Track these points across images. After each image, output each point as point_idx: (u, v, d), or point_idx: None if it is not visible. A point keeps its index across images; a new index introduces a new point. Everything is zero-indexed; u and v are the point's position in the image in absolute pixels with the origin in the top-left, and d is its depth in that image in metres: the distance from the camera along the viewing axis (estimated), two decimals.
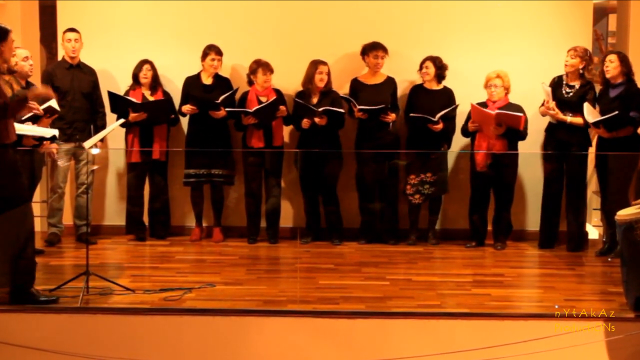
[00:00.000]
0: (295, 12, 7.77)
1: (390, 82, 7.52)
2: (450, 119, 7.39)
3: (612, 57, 6.92)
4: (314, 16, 7.76)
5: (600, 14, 9.17)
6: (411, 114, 7.31)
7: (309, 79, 7.42)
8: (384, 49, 7.40)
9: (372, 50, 7.40)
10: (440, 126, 7.26)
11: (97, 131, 7.30)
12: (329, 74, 7.41)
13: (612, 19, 9.14)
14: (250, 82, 7.50)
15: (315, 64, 7.38)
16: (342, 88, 7.57)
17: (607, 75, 6.93)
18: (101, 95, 7.50)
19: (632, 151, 6.81)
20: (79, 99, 7.33)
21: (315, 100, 7.41)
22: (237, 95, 7.52)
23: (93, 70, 7.53)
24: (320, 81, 7.37)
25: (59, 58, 7.62)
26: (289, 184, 7.74)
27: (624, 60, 6.87)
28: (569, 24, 7.65)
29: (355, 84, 7.53)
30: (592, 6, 7.79)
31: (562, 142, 7.20)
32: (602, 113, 6.92)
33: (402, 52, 7.56)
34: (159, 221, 7.66)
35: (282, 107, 7.38)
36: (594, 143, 7.28)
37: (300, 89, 7.52)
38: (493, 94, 7.24)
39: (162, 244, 7.51)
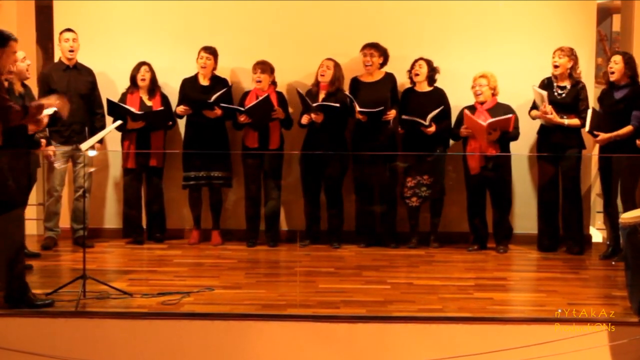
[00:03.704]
0: (294, 13, 7.73)
1: (388, 79, 7.47)
2: (445, 119, 7.32)
3: (617, 59, 6.88)
4: (313, 17, 7.71)
5: (604, 14, 9.12)
6: (403, 116, 7.27)
7: (316, 77, 7.40)
8: (375, 47, 7.35)
9: (363, 48, 7.37)
10: (432, 129, 7.21)
11: (93, 133, 7.23)
12: (335, 70, 7.35)
13: (616, 19, 9.10)
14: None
15: (322, 61, 7.37)
16: (344, 88, 7.50)
17: (612, 77, 6.88)
18: (99, 96, 7.45)
19: (636, 153, 6.74)
20: (76, 101, 7.23)
21: (321, 98, 7.36)
22: (239, 94, 7.50)
23: (91, 70, 7.47)
24: (320, 75, 7.34)
25: (56, 59, 7.56)
26: (288, 187, 7.68)
27: (629, 62, 6.84)
28: (572, 24, 7.61)
29: (354, 83, 7.49)
30: (596, 6, 7.75)
31: (557, 145, 7.15)
32: (606, 114, 6.89)
33: (399, 53, 7.50)
34: (156, 224, 7.61)
35: (278, 109, 7.32)
36: (596, 146, 7.21)
37: (303, 88, 7.48)
38: (478, 93, 7.18)
39: (160, 247, 7.46)
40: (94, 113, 7.42)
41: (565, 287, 6.19)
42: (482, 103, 7.21)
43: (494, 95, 7.24)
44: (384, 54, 7.40)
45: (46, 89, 7.09)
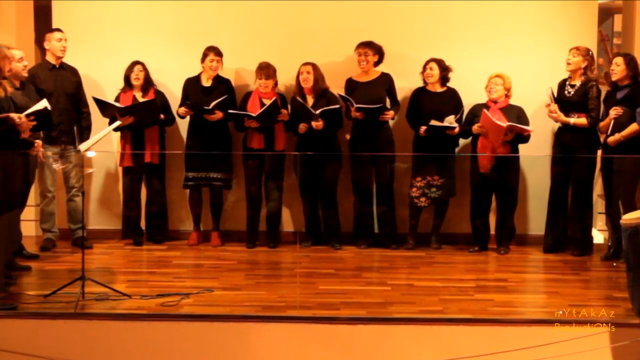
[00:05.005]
0: (295, 13, 7.69)
1: (384, 78, 7.42)
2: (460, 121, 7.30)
3: (619, 60, 6.88)
4: (313, 18, 7.68)
5: (605, 14, 9.11)
6: (431, 122, 7.17)
7: (298, 83, 7.37)
8: (369, 46, 7.31)
9: (357, 47, 7.33)
10: (457, 130, 7.19)
11: (81, 132, 7.21)
12: (315, 73, 7.31)
13: (618, 20, 9.09)
14: None
15: (299, 67, 7.34)
16: (342, 89, 7.49)
17: (613, 78, 6.90)
18: (85, 96, 7.42)
19: (638, 153, 6.72)
20: (63, 100, 7.22)
21: (310, 102, 7.33)
22: (241, 95, 7.48)
23: (76, 70, 7.44)
24: (304, 81, 7.30)
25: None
26: (288, 188, 7.65)
27: (630, 63, 6.84)
28: (574, 24, 7.59)
29: (349, 84, 7.45)
30: (597, 6, 7.74)
31: (567, 146, 7.13)
32: (607, 115, 6.88)
33: (403, 53, 7.50)
34: (156, 225, 7.58)
35: (284, 111, 7.30)
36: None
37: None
38: (492, 91, 7.16)
39: (159, 248, 7.43)
40: (80, 112, 7.38)
41: (566, 289, 6.17)
42: (494, 101, 7.19)
43: (507, 96, 7.23)
44: (378, 51, 7.36)
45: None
